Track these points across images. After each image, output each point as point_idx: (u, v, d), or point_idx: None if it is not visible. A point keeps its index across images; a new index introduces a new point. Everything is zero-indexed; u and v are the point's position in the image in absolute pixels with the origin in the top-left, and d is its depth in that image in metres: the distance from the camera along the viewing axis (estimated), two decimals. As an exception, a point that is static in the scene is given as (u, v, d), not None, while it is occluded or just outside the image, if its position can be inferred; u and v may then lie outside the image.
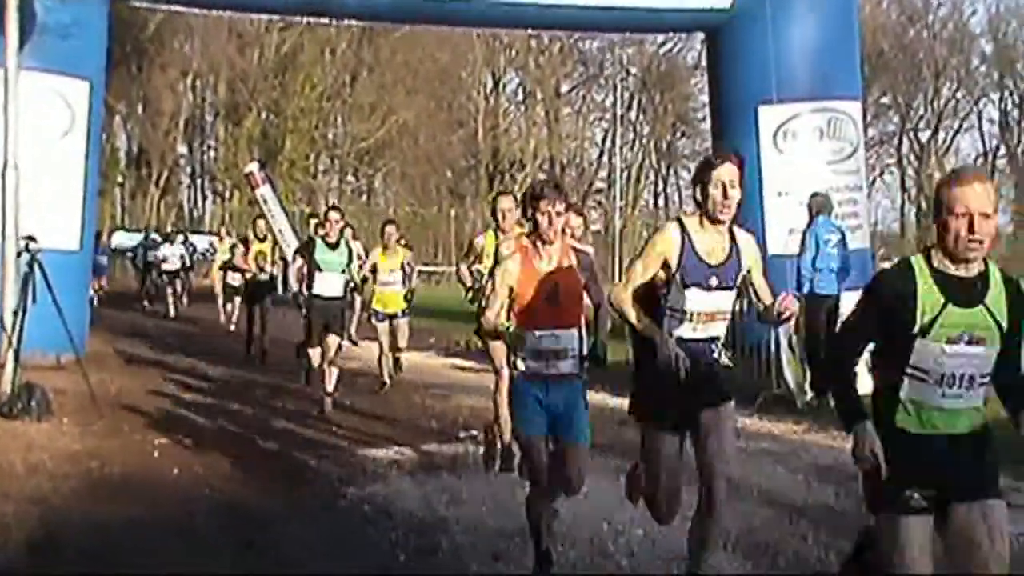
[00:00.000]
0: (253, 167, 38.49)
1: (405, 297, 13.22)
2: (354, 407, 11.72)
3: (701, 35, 20.70)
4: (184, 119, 49.79)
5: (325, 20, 24.69)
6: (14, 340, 10.95)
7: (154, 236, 30.82)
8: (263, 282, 16.81)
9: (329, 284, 11.72)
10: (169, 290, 25.71)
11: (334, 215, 12.16)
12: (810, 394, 11.70)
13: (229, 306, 21.29)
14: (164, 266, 26.11)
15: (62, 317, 11.25)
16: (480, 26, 29.26)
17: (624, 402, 12.13)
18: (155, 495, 7.75)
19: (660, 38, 53.15)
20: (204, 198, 53.01)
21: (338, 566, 6.19)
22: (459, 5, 16.75)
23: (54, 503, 7.40)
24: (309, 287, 11.77)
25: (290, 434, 10.23)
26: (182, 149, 51.83)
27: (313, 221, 20.63)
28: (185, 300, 26.23)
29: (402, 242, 14.75)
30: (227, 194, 49.62)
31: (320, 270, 11.70)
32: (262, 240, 17.42)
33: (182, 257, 26.71)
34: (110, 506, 7.39)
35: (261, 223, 18.81)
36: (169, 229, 38.69)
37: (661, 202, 61.30)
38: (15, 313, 11.07)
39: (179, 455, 9.08)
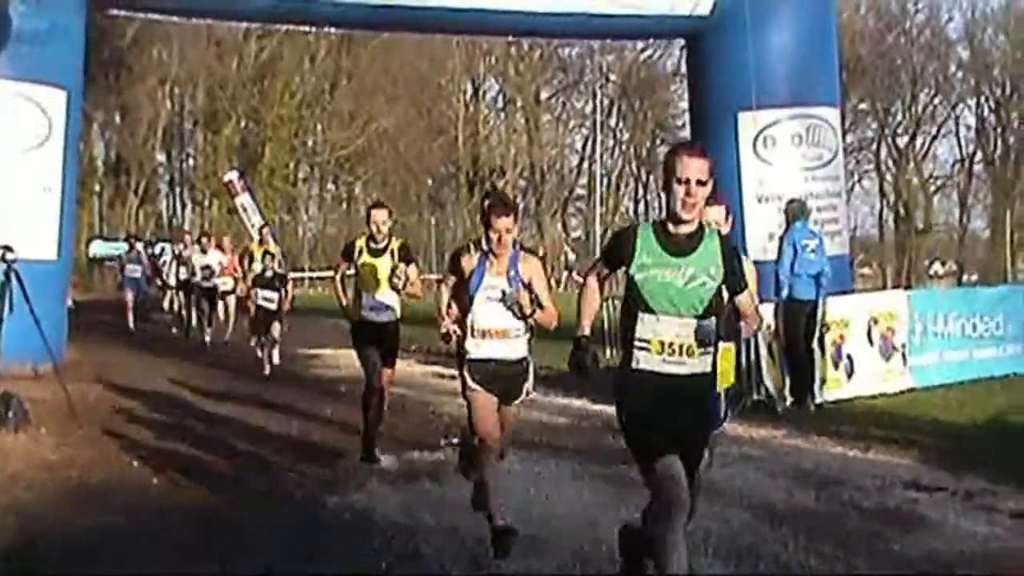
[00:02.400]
0: (232, 175, 38.51)
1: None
2: (334, 415, 11.68)
3: (681, 42, 20.77)
4: (163, 127, 49.58)
5: (304, 27, 24.66)
6: (-9, 350, 10.88)
7: (163, 245, 30.07)
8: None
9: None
10: (221, 311, 20.33)
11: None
12: (790, 399, 11.73)
13: (262, 340, 16.05)
14: (216, 281, 19.67)
15: (39, 327, 11.19)
16: (459, 33, 29.33)
17: (605, 408, 12.17)
18: (134, 505, 7.70)
19: (640, 45, 53.28)
20: (183, 206, 52.82)
21: (319, 574, 6.16)
22: (438, 12, 16.75)
23: (32, 513, 7.35)
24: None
25: (271, 442, 10.18)
26: (161, 157, 51.63)
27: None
28: (231, 324, 20.27)
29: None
30: (207, 202, 49.43)
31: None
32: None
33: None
34: (88, 516, 7.35)
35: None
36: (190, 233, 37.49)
37: (641, 208, 61.40)
38: (-8, 322, 11.00)
39: (158, 464, 9.03)
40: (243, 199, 37.42)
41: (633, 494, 7.91)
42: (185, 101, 51.64)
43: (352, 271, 9.35)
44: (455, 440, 10.00)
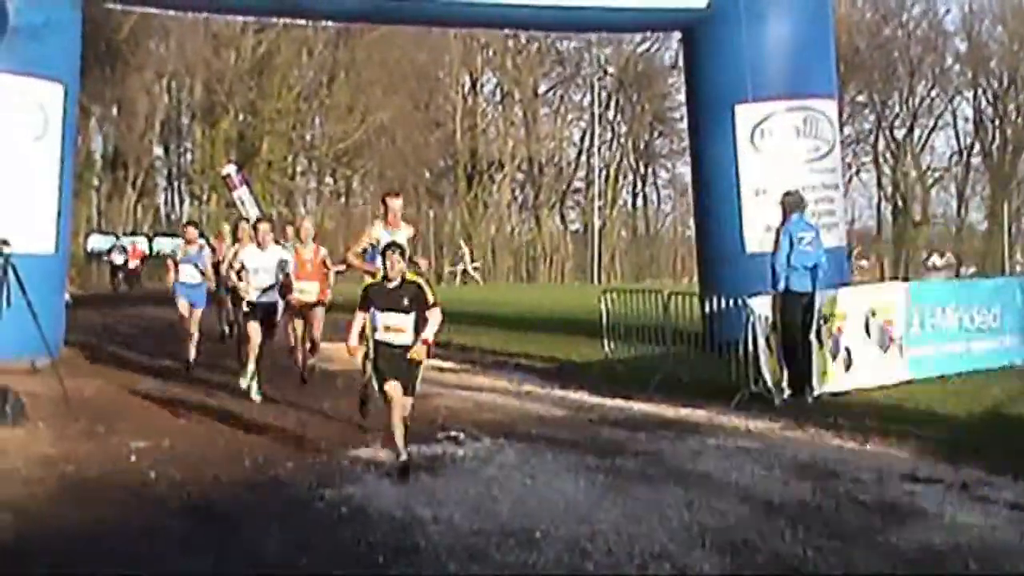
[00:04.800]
0: (230, 169, 38.45)
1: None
2: (331, 408, 11.67)
3: (678, 35, 20.74)
4: (160, 121, 49.55)
5: (301, 21, 24.66)
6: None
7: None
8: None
9: None
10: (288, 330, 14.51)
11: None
12: (787, 391, 11.73)
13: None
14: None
15: (36, 321, 11.19)
16: (456, 26, 29.31)
17: (602, 400, 12.18)
18: (131, 499, 7.70)
19: (637, 38, 53.33)
20: (181, 200, 52.82)
21: (316, 567, 6.16)
22: (435, 5, 16.73)
23: (28, 508, 7.35)
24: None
25: (267, 436, 10.18)
26: (158, 151, 51.62)
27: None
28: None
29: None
30: (204, 196, 49.40)
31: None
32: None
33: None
34: (85, 510, 7.35)
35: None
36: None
37: (640, 201, 61.46)
38: (-11, 317, 11.00)
39: (155, 459, 9.03)
40: (241, 193, 37.31)
41: (630, 486, 7.93)
42: (182, 95, 51.60)
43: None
44: (452, 433, 10.04)
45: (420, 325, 8.65)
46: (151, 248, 42.35)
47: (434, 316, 8.66)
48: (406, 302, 8.61)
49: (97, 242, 43.84)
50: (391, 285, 8.67)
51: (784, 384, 11.79)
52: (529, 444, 9.41)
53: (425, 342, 8.63)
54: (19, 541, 6.61)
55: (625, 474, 8.40)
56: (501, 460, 9.00)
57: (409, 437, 8.60)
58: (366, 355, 9.34)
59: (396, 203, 11.27)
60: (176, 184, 53.05)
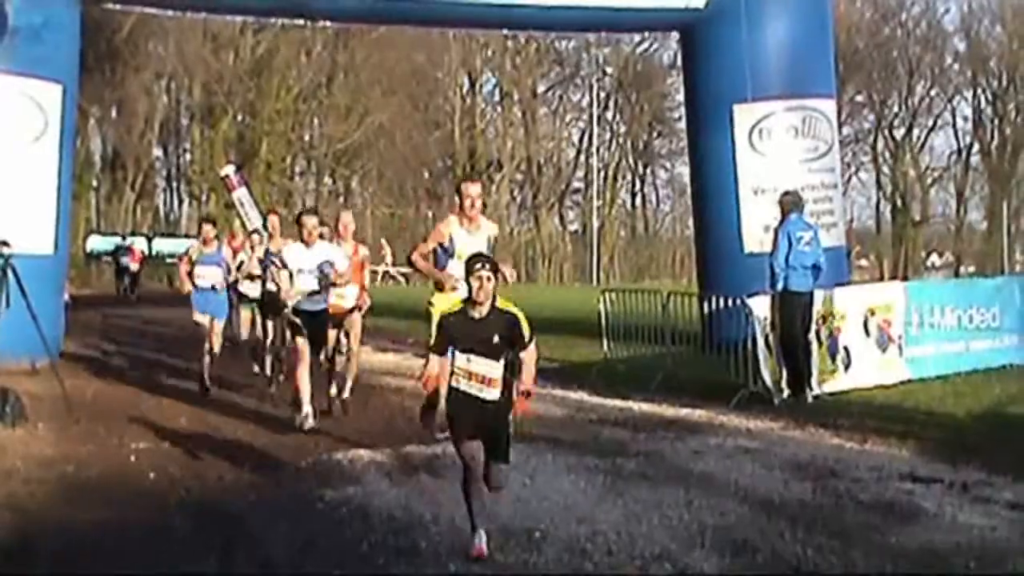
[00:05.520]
0: (229, 170, 38.45)
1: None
2: (332, 409, 11.66)
3: (676, 34, 20.75)
4: (159, 122, 49.57)
5: (300, 22, 24.64)
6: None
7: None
8: None
9: None
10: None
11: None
12: (786, 391, 11.74)
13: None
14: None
15: (36, 322, 11.19)
16: (455, 26, 29.31)
17: (602, 401, 12.17)
18: (131, 499, 7.71)
19: (636, 38, 53.35)
20: (180, 201, 52.85)
21: (316, 568, 6.16)
22: (434, 5, 16.74)
23: (29, 508, 7.36)
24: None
25: (267, 436, 10.18)
26: (157, 152, 51.66)
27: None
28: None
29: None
30: (204, 197, 49.42)
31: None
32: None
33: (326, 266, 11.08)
34: (85, 511, 7.35)
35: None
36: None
37: (639, 201, 61.46)
38: (-11, 318, 11.00)
39: (155, 459, 9.03)
40: (240, 193, 37.34)
41: (630, 486, 7.93)
42: (181, 96, 51.64)
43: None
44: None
45: (513, 369, 6.46)
46: (150, 249, 42.34)
47: (530, 357, 6.51)
48: (496, 340, 6.27)
49: (97, 243, 43.84)
50: (477, 315, 6.27)
51: (783, 384, 11.80)
52: (529, 444, 9.40)
53: (526, 394, 6.56)
54: (19, 541, 6.61)
55: (625, 474, 8.40)
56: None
57: (409, 437, 8.57)
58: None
59: (474, 189, 9.14)
60: (175, 185, 53.10)
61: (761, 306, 11.85)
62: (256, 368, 14.36)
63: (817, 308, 12.02)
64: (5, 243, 11.47)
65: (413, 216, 51.39)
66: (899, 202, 57.34)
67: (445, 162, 56.29)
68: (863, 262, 53.81)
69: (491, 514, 6.54)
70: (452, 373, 6.37)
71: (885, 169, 57.70)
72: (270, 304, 12.91)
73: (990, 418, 10.66)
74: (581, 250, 56.23)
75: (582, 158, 58.92)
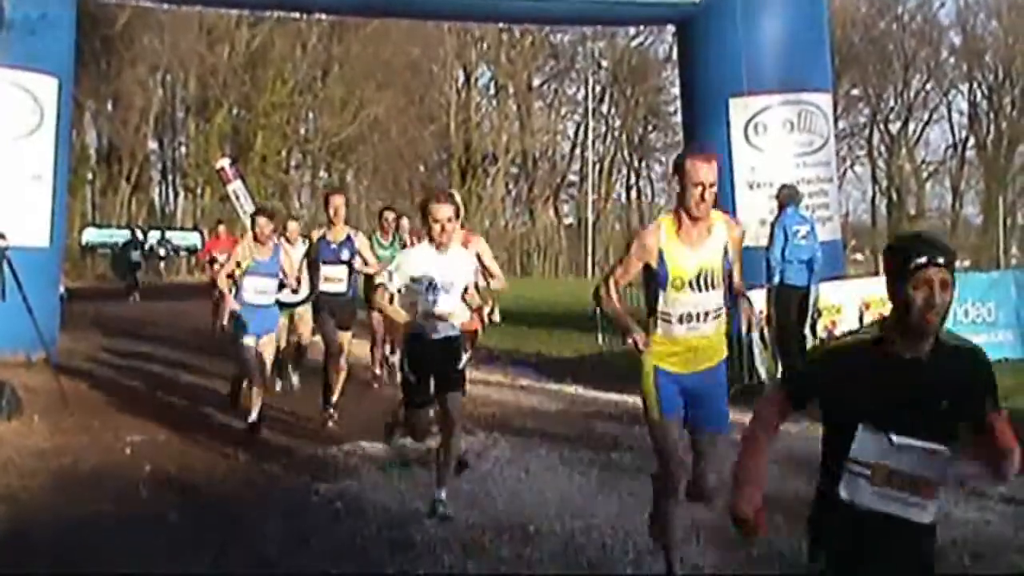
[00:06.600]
0: (224, 163, 38.32)
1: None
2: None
3: (672, 28, 20.74)
4: (154, 115, 49.45)
5: (295, 15, 24.59)
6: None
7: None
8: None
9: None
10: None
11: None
12: (782, 385, 11.74)
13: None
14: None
15: (32, 314, 11.18)
16: (450, 19, 29.24)
17: (596, 394, 12.17)
18: (126, 493, 7.70)
19: (631, 31, 53.25)
20: (176, 194, 52.71)
21: (311, 562, 6.17)
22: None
23: (23, 501, 7.36)
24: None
25: (263, 430, 10.17)
26: (153, 145, 51.51)
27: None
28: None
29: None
30: (199, 190, 49.36)
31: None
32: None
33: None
34: (80, 504, 7.34)
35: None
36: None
37: (633, 195, 61.42)
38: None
39: (151, 453, 9.03)
40: (235, 186, 37.20)
41: (625, 481, 7.94)
42: (176, 89, 51.51)
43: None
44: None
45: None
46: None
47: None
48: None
49: (94, 235, 43.89)
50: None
51: (779, 378, 11.81)
52: (524, 438, 9.42)
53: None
54: (14, 534, 6.61)
55: (620, 468, 8.41)
56: (496, 454, 9.00)
57: (402, 431, 8.55)
58: None
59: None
60: (170, 178, 52.93)
61: (756, 300, 11.84)
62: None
63: (812, 302, 12.04)
64: (1, 236, 11.47)
65: (408, 209, 51.30)
66: (895, 196, 57.37)
67: (440, 156, 56.24)
68: (859, 256, 53.82)
69: (486, 508, 6.55)
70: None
71: (880, 163, 57.71)
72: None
73: (984, 412, 10.67)
74: (576, 243, 56.22)
75: (577, 151, 58.90)
